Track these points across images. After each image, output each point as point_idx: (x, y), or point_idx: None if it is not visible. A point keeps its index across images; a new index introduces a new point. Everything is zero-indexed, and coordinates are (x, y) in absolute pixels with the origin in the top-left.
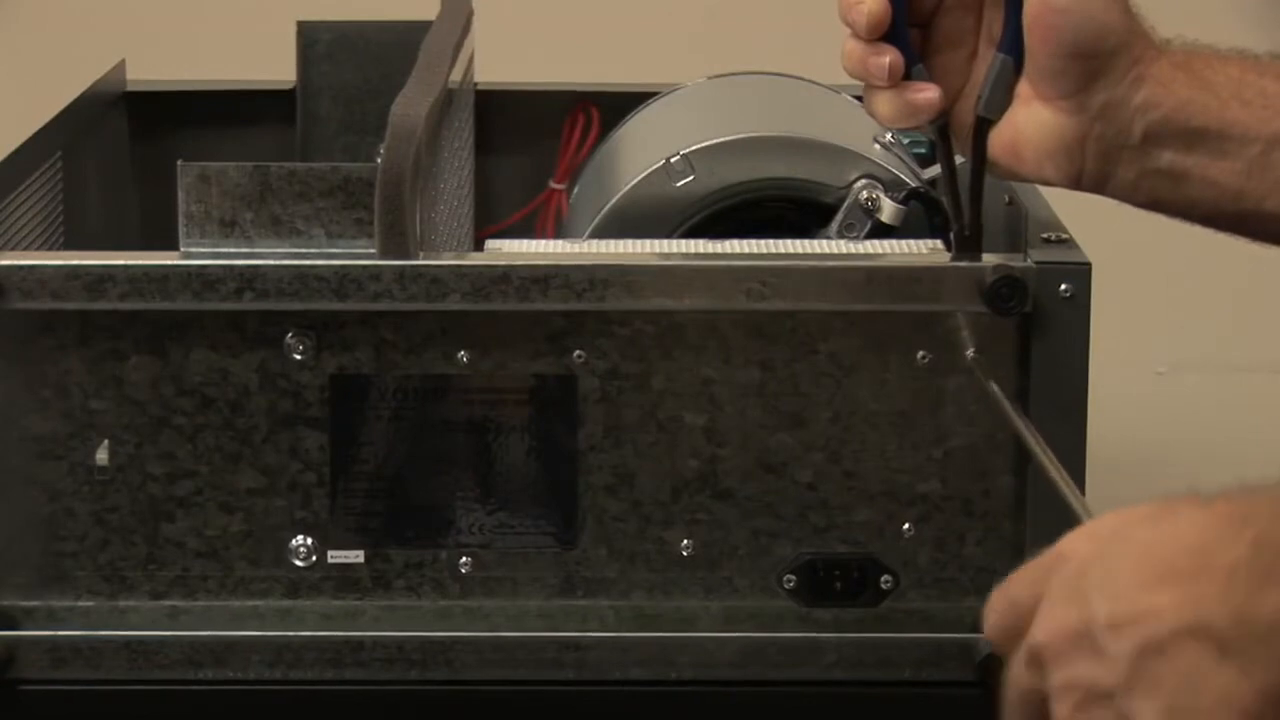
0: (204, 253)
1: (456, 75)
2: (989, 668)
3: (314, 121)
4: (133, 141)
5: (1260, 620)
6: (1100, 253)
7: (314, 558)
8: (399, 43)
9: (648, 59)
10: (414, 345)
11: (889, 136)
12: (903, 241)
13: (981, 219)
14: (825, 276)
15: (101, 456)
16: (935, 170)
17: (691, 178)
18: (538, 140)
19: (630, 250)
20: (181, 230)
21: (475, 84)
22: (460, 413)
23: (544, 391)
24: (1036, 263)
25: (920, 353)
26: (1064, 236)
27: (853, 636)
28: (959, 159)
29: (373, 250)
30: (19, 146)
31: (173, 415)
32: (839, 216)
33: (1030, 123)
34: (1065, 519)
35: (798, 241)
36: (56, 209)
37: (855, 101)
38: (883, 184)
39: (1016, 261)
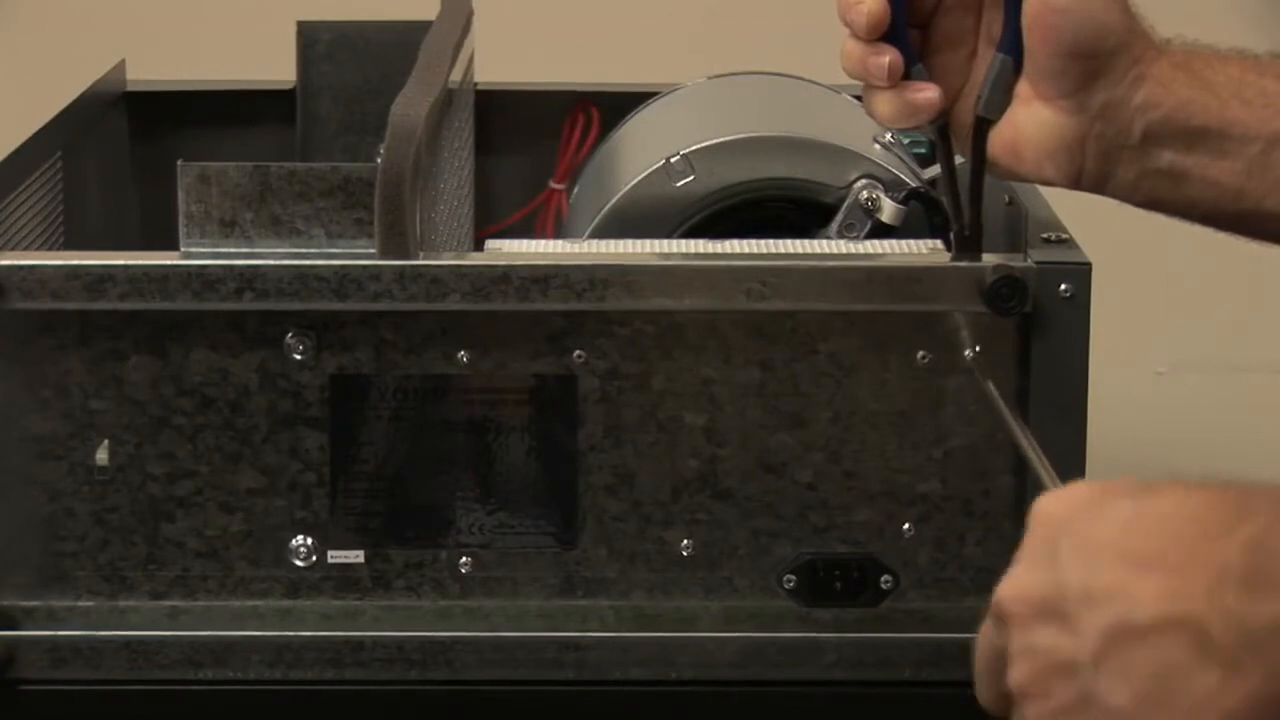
0: (204, 253)
1: (456, 75)
2: None
3: (314, 121)
4: (133, 141)
5: (1252, 627)
6: (1100, 253)
7: (314, 558)
8: (399, 43)
9: (648, 59)
10: (414, 345)
11: (889, 136)
12: (903, 241)
13: (981, 219)
14: (825, 276)
15: (101, 456)
16: (935, 170)
17: (691, 178)
18: (538, 140)
19: (630, 250)
20: (181, 230)
21: (475, 84)
22: (460, 413)
23: (544, 391)
24: (1036, 263)
25: (920, 353)
26: (1064, 236)
27: (853, 636)
28: (959, 159)
29: (373, 250)
30: (19, 146)
31: (173, 415)
32: (839, 216)
33: (1030, 122)
34: None
35: (798, 241)
36: (56, 209)
37: (855, 101)
38: (883, 184)
39: (1016, 261)
